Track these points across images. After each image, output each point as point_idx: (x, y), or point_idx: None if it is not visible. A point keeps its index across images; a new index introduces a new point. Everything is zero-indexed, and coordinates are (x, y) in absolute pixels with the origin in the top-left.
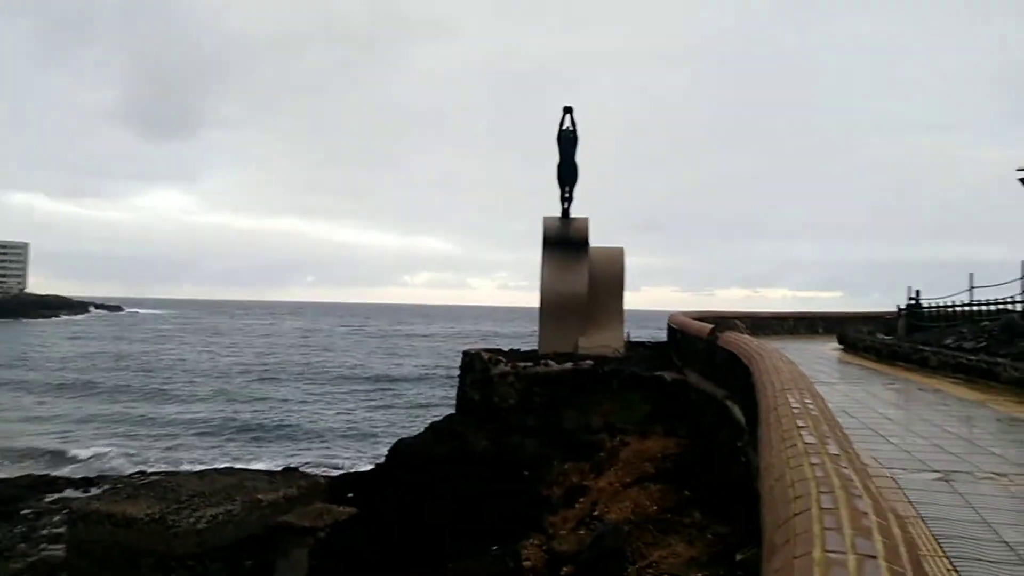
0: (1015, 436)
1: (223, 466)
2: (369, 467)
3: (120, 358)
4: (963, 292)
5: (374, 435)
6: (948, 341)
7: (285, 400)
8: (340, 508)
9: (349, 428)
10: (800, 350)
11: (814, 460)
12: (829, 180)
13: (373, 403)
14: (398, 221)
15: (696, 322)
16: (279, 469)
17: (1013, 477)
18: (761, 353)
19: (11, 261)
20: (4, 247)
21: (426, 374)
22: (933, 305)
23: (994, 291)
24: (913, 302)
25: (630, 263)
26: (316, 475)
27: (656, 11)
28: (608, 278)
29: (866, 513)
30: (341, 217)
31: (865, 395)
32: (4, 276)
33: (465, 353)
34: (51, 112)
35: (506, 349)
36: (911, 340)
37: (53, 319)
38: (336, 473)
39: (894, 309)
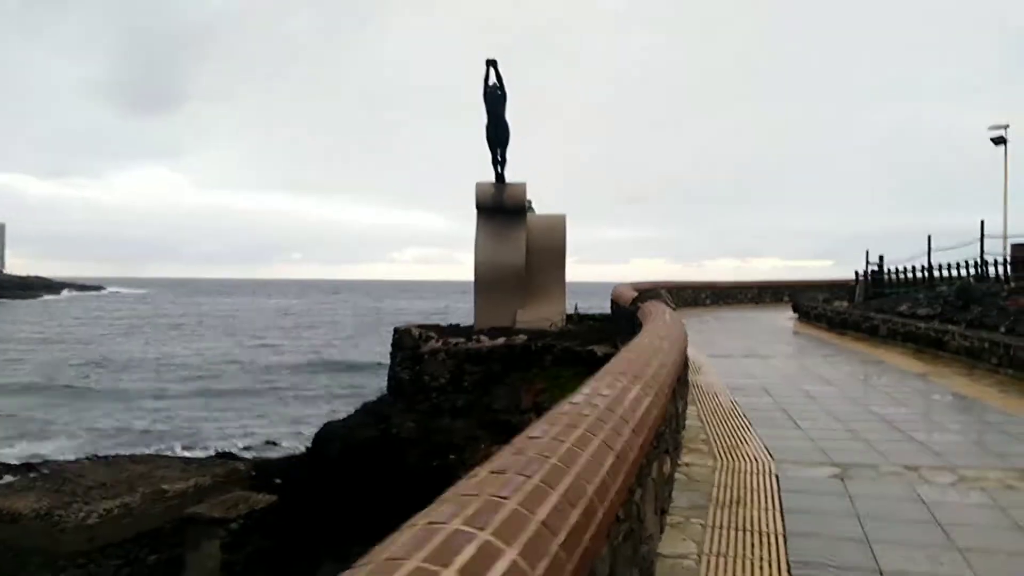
0: (949, 416)
1: (139, 452)
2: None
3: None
4: (922, 256)
5: (314, 422)
6: (902, 308)
7: (234, 390)
8: (259, 496)
9: (294, 419)
10: (754, 320)
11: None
12: (821, 150)
13: (328, 390)
14: (388, 195)
15: (629, 293)
16: (204, 455)
17: (925, 471)
18: (649, 326)
19: None
20: None
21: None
22: (894, 270)
23: (954, 255)
24: (875, 268)
25: (620, 236)
26: (237, 462)
27: None
28: (548, 247)
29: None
30: (329, 192)
31: (797, 369)
32: None
33: (396, 330)
34: (32, 88)
35: (443, 325)
36: (867, 307)
37: (31, 300)
38: (267, 457)
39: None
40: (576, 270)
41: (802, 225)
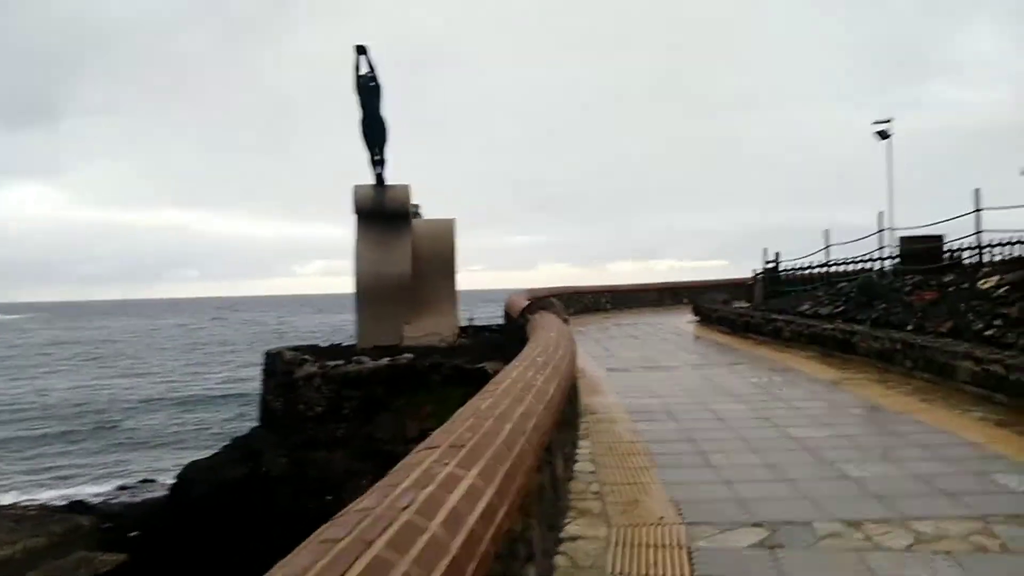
0: (877, 438)
1: None
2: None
3: None
4: (819, 252)
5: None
6: (804, 307)
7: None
8: (104, 556)
9: (162, 460)
10: (655, 324)
11: None
12: (714, 154)
13: (201, 424)
14: (288, 208)
15: (522, 303)
16: (46, 510)
17: (872, 528)
18: (527, 349)
19: None
20: None
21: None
22: (791, 268)
23: (852, 249)
24: (772, 265)
25: (526, 242)
26: (81, 516)
27: None
28: (436, 255)
29: None
30: (226, 207)
31: (703, 382)
32: None
33: (266, 354)
34: None
35: (321, 345)
36: (767, 307)
37: None
38: (123, 503)
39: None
40: (483, 277)
41: (696, 225)
